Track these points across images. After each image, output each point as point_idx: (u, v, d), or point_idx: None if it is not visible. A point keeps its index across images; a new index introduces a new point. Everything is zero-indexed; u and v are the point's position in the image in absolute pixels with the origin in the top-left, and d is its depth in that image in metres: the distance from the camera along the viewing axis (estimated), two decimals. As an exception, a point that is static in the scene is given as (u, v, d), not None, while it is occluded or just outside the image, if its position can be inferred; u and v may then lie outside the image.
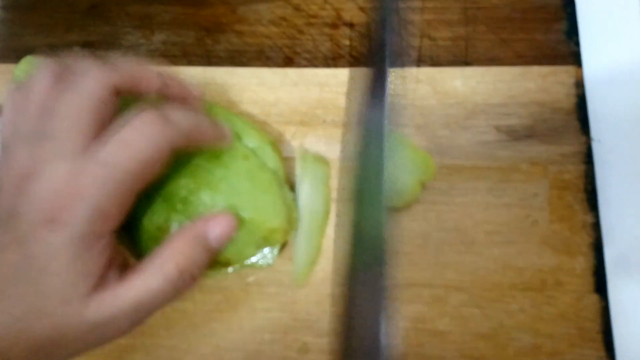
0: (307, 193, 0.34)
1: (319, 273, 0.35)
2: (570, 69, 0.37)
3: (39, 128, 0.24)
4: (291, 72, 0.38)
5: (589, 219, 0.35)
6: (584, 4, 0.39)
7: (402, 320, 0.34)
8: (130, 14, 0.40)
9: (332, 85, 0.38)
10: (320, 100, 0.38)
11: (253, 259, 0.31)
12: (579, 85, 0.37)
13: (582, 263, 0.34)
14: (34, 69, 0.26)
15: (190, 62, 0.39)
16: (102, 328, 0.24)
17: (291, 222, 0.32)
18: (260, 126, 0.35)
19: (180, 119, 0.25)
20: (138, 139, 0.23)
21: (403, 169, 0.35)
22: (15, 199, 0.23)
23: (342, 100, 0.38)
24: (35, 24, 0.41)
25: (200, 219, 0.27)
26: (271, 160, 0.32)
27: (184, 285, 0.25)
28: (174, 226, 0.28)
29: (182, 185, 0.28)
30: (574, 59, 0.37)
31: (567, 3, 0.38)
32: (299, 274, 0.34)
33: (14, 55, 0.40)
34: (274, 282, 0.35)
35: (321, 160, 0.36)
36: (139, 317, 0.25)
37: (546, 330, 0.33)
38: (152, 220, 0.28)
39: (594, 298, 0.34)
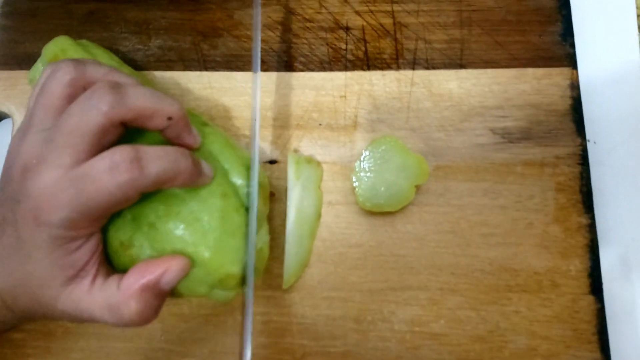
0: (298, 196, 0.35)
1: (314, 276, 0.35)
2: (566, 70, 0.37)
3: (48, 131, 0.26)
4: (287, 76, 0.38)
5: (584, 220, 0.35)
6: (579, 6, 0.39)
7: (398, 323, 0.34)
8: (128, 19, 0.40)
9: (328, 89, 0.38)
10: (316, 103, 0.38)
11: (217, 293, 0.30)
12: (574, 87, 0.37)
13: (578, 265, 0.34)
14: (52, 65, 0.28)
15: (187, 67, 0.39)
16: (71, 317, 0.27)
17: (256, 269, 0.30)
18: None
19: (154, 163, 0.25)
20: (106, 180, 0.24)
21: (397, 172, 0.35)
22: (19, 186, 0.26)
23: (338, 104, 0.38)
24: (35, 31, 0.41)
25: (154, 263, 0.27)
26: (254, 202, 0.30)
27: (137, 325, 0.27)
28: (137, 247, 0.28)
29: (153, 208, 0.28)
30: (569, 61, 0.37)
31: (562, 5, 0.39)
32: (289, 276, 0.34)
33: (14, 61, 0.41)
34: (270, 286, 0.35)
35: (314, 163, 0.36)
36: (96, 323, 0.27)
37: (542, 332, 0.33)
38: (117, 234, 0.28)
39: (590, 300, 0.34)
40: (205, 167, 0.29)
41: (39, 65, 0.36)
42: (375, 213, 0.35)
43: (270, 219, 0.36)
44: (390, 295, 0.34)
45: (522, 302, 0.34)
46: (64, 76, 0.27)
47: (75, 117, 0.25)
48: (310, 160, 0.36)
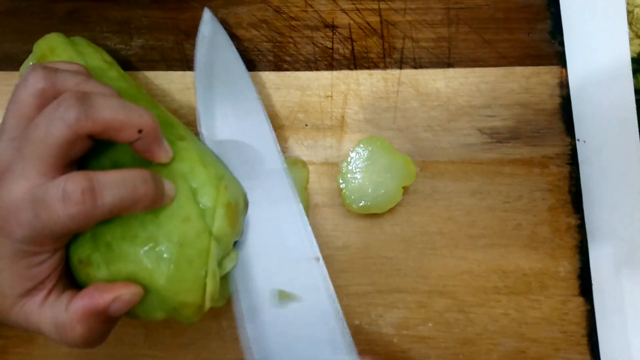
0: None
1: (300, 280, 0.34)
2: (555, 69, 0.37)
3: (18, 140, 0.26)
4: (272, 76, 0.38)
5: (574, 221, 0.34)
6: (568, 3, 0.38)
7: (385, 327, 0.34)
8: (109, 18, 0.39)
9: (314, 89, 0.37)
10: (302, 103, 0.37)
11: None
12: (563, 85, 0.36)
13: (567, 266, 0.34)
14: (27, 71, 0.27)
15: (170, 67, 0.38)
16: (22, 328, 0.26)
17: (221, 296, 0.29)
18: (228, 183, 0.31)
19: (110, 192, 0.24)
20: (58, 209, 0.23)
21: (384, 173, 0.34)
22: None
23: (324, 104, 0.37)
24: (14, 30, 0.40)
25: (105, 288, 0.26)
26: (220, 224, 0.28)
27: (82, 347, 0.26)
28: (94, 266, 0.27)
29: (110, 229, 0.27)
30: (558, 59, 0.37)
31: (551, 3, 0.38)
32: None
33: (-6, 61, 0.40)
34: (255, 289, 0.34)
35: (300, 164, 0.35)
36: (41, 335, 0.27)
37: (531, 334, 0.33)
38: (77, 251, 0.27)
39: (579, 301, 0.33)
40: (168, 186, 0.27)
41: (29, 63, 0.35)
42: (362, 215, 0.35)
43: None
44: (377, 298, 0.34)
45: (511, 304, 0.33)
46: (34, 85, 0.26)
47: (41, 128, 0.24)
48: (296, 161, 0.36)
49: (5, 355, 0.35)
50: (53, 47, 0.34)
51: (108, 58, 0.36)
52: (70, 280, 0.28)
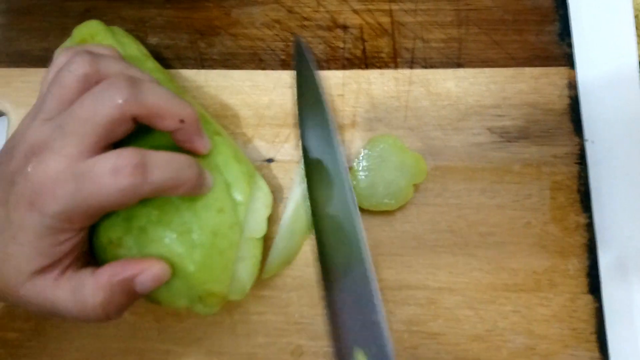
0: (301, 193, 0.34)
1: (312, 275, 0.35)
2: (563, 70, 0.37)
3: (58, 118, 0.26)
4: (285, 75, 0.38)
5: (583, 219, 0.35)
6: (576, 5, 0.39)
7: (396, 323, 0.34)
8: (124, 17, 0.40)
9: (326, 88, 0.38)
10: (314, 102, 0.38)
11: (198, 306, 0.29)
12: (572, 86, 0.37)
13: (576, 264, 0.34)
14: (67, 53, 0.28)
15: (184, 65, 0.39)
16: (31, 304, 0.26)
17: (240, 290, 0.30)
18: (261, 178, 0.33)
19: (159, 170, 0.25)
20: (107, 182, 0.24)
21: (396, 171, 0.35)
22: (20, 168, 0.25)
23: (335, 103, 0.38)
24: (30, 29, 0.41)
25: (134, 261, 0.26)
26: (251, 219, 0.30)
27: (98, 318, 0.26)
28: (124, 248, 0.27)
29: (146, 212, 0.27)
30: (567, 60, 0.37)
31: (560, 4, 0.39)
32: (270, 267, 0.34)
33: (9, 59, 0.40)
34: (267, 286, 0.35)
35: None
36: (49, 315, 0.27)
37: (540, 331, 0.33)
38: (107, 232, 0.27)
39: (588, 299, 0.34)
40: (207, 177, 0.28)
41: (67, 45, 0.35)
42: (374, 212, 0.35)
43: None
44: (388, 295, 0.34)
45: (520, 301, 0.34)
46: (78, 69, 0.26)
47: (88, 106, 0.25)
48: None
49: (19, 349, 0.35)
50: (93, 33, 0.35)
51: (144, 50, 0.37)
52: (92, 260, 0.28)
